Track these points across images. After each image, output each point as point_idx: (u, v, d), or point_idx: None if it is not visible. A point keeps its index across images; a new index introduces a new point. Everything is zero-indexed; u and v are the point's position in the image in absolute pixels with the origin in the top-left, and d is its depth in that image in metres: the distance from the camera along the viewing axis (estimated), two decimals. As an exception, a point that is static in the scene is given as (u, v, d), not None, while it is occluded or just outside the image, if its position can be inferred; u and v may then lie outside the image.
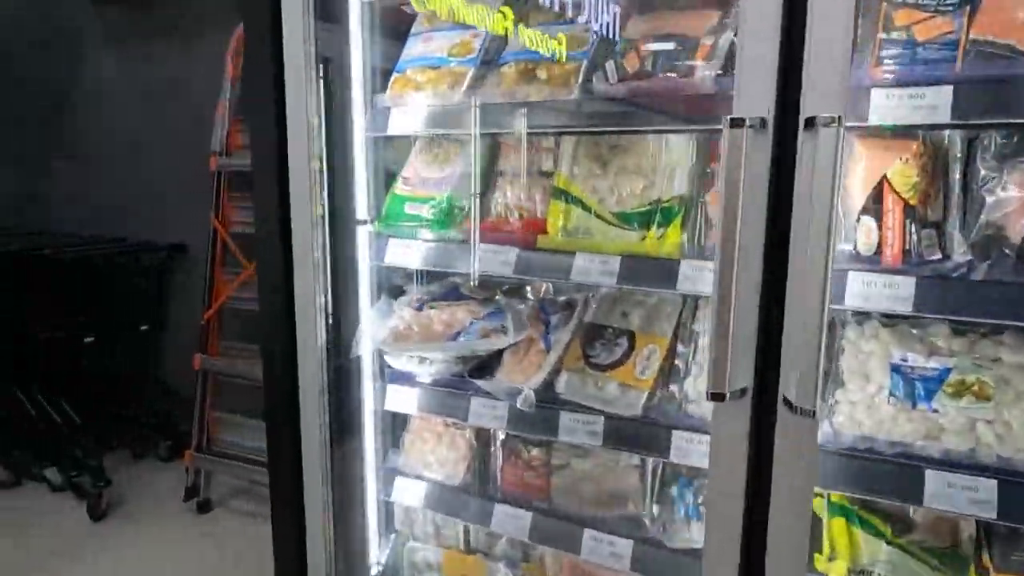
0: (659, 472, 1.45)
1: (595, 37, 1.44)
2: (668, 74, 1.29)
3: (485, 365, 1.59)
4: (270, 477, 1.48)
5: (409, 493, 1.51)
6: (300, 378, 1.41)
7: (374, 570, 1.57)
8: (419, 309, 1.54)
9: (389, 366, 1.52)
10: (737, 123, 0.91)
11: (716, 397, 0.96)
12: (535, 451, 1.49)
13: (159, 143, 3.49)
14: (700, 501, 1.36)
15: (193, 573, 2.71)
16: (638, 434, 1.35)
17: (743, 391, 0.98)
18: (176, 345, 3.61)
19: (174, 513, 3.14)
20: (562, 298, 1.63)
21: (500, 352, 1.54)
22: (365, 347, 1.48)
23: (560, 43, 1.44)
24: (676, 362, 1.40)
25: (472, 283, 1.63)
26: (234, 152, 3.04)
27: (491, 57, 1.54)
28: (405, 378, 1.58)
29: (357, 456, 1.52)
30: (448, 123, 1.44)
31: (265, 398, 1.45)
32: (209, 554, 2.83)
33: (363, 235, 1.47)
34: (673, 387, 1.38)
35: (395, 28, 1.61)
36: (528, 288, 1.72)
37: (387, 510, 1.68)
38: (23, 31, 3.86)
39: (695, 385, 1.35)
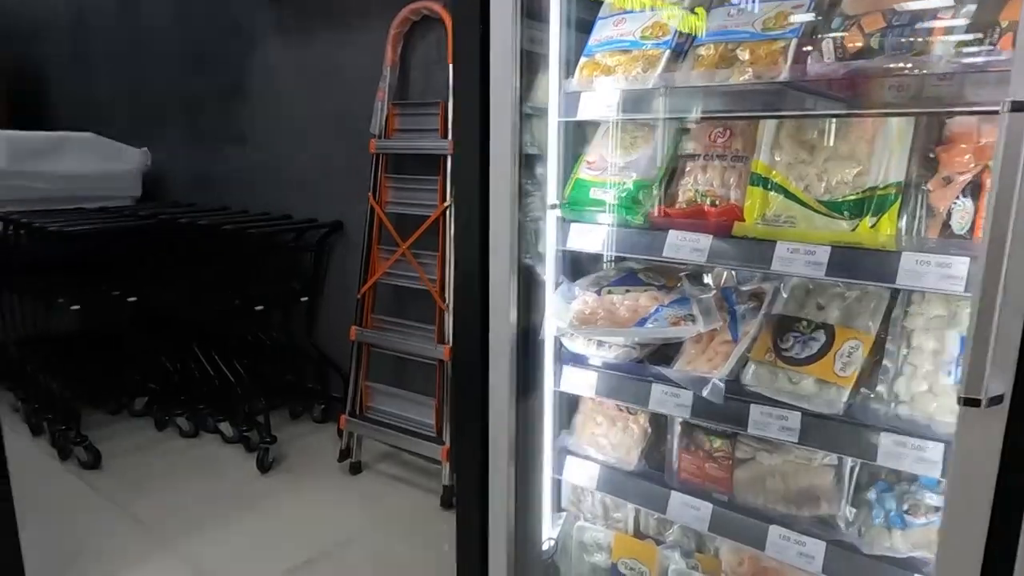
0: (855, 473, 1.39)
1: (805, 13, 1.37)
2: (898, 53, 1.20)
3: (662, 352, 1.58)
4: (456, 450, 1.55)
5: (580, 473, 1.54)
6: (491, 357, 1.46)
7: (546, 545, 1.61)
8: (599, 294, 1.55)
9: (565, 348, 1.54)
10: (1019, 107, 0.84)
11: (970, 403, 0.89)
12: (718, 442, 1.47)
13: (321, 127, 3.70)
14: (906, 509, 1.29)
15: (352, 527, 2.90)
16: (839, 433, 1.30)
17: (999, 398, 0.91)
18: (330, 316, 3.85)
19: (329, 472, 3.38)
20: (747, 287, 1.58)
21: (679, 340, 1.52)
22: (550, 329, 1.50)
23: (767, 22, 1.38)
24: (884, 361, 1.32)
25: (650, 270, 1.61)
26: (392, 135, 3.18)
27: (686, 39, 1.50)
28: (580, 360, 1.60)
29: (538, 434, 1.56)
30: (640, 107, 1.42)
31: (455, 375, 1.51)
32: (363, 511, 3.03)
33: (552, 219, 1.49)
34: (880, 387, 1.31)
35: (581, 18, 1.61)
36: (707, 275, 1.68)
37: (556, 488, 1.72)
38: (210, 25, 4.21)
39: (909, 386, 1.27)
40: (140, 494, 3.16)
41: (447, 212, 2.94)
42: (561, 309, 1.51)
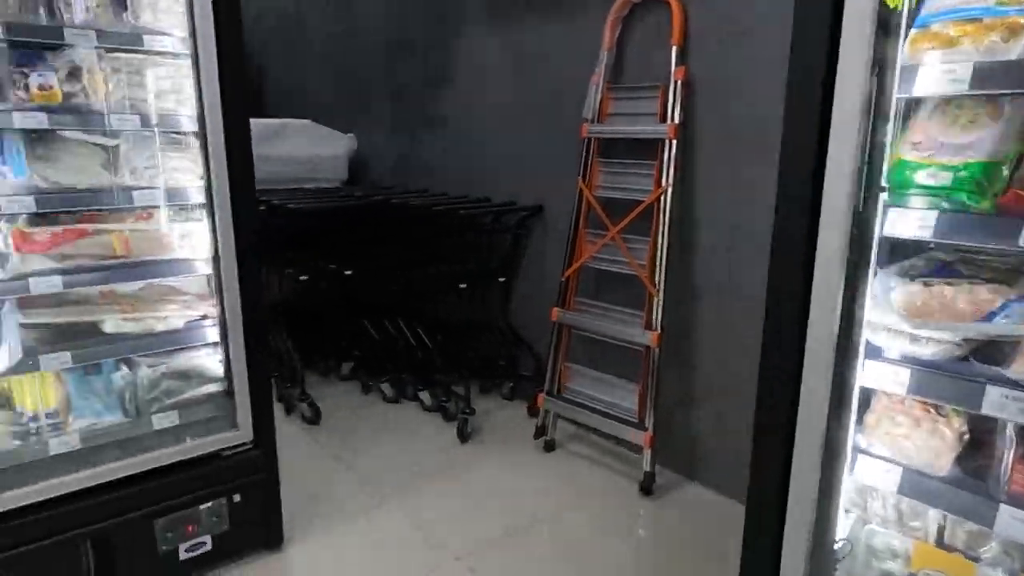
0: None
1: None
2: None
3: (988, 351, 1.44)
4: (757, 437, 1.53)
5: (876, 475, 1.46)
6: (808, 352, 1.42)
7: (837, 545, 1.56)
8: (925, 284, 1.44)
9: (868, 342, 1.47)
10: None
11: None
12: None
13: (523, 112, 3.79)
14: None
15: (548, 504, 2.99)
16: None
17: None
18: (525, 296, 3.96)
19: (523, 448, 3.50)
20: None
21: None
22: (870, 322, 1.44)
23: None
24: None
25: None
26: (605, 119, 3.19)
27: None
28: (882, 355, 1.50)
29: (840, 432, 1.50)
30: (994, 81, 1.29)
31: (762, 365, 1.49)
32: (559, 489, 3.10)
33: (879, 203, 1.41)
34: None
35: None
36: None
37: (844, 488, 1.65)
38: (418, 14, 4.45)
39: None
40: (357, 452, 3.46)
41: (662, 197, 2.91)
42: (882, 300, 1.43)
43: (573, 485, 3.15)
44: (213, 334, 2.51)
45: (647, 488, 3.01)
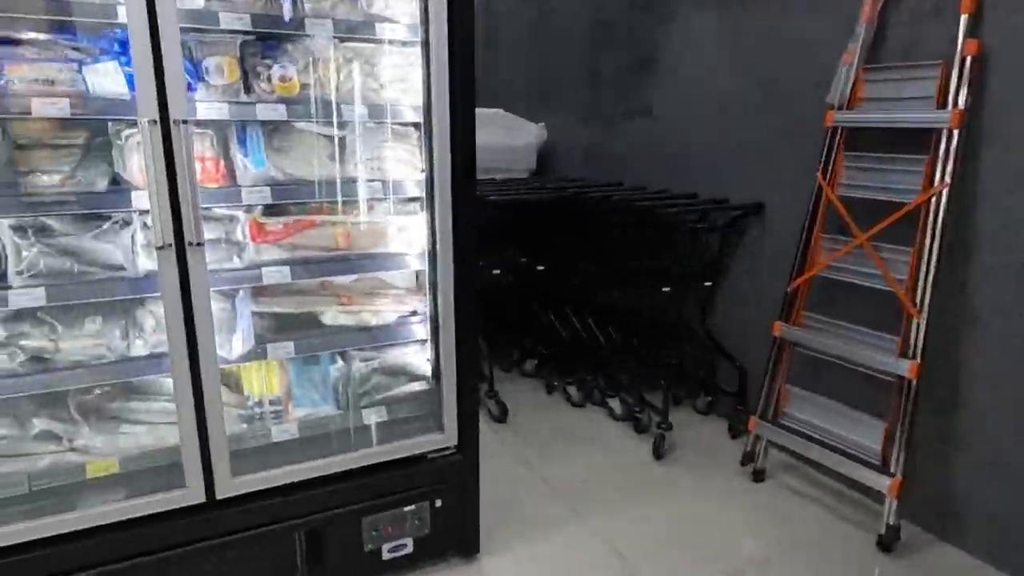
0: None
1: None
2: None
3: None
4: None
5: None
6: None
7: None
8: None
9: None
10: None
11: None
12: None
13: (741, 100, 3.39)
14: None
15: (765, 547, 2.63)
16: None
17: None
18: (732, 304, 3.58)
19: (727, 473, 3.15)
20: None
21: None
22: None
23: None
24: None
25: None
26: (857, 105, 2.72)
27: None
28: None
29: None
30: None
31: None
32: (775, 530, 2.73)
33: None
34: None
35: None
36: None
37: None
38: (618, -4, 4.17)
39: None
40: (544, 457, 3.30)
41: (934, 200, 2.42)
42: None
43: (789, 526, 2.76)
44: (421, 331, 2.44)
45: (888, 544, 2.55)
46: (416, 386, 2.48)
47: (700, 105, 3.66)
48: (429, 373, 2.46)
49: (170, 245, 1.84)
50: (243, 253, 2.19)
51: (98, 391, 2.13)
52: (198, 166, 2.04)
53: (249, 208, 2.18)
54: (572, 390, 3.88)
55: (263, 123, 2.18)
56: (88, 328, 2.04)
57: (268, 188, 2.11)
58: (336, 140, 2.27)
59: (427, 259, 2.35)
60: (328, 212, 2.30)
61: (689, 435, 3.52)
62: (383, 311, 2.43)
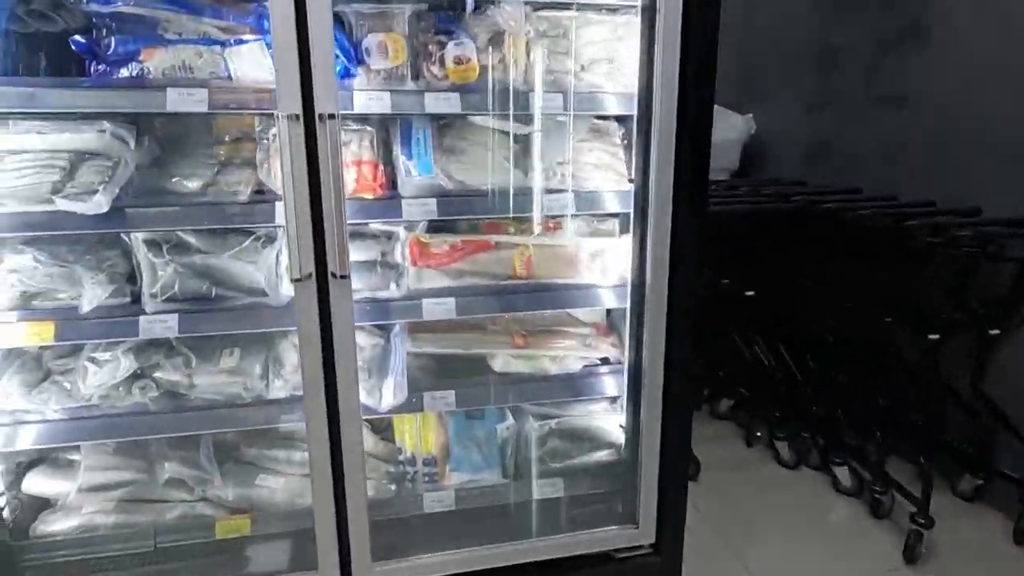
0: None
1: None
2: None
3: None
4: None
5: None
6: None
7: None
8: None
9: None
10: None
11: None
12: None
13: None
14: None
15: None
16: None
17: None
18: (1019, 358, 2.63)
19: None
20: None
21: None
22: None
23: None
24: None
25: None
26: None
27: None
28: None
29: None
30: None
31: None
32: None
33: None
34: None
35: None
36: None
37: None
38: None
39: None
40: (748, 538, 2.61)
41: None
42: None
43: None
44: (612, 385, 1.89)
45: None
46: (601, 456, 1.93)
47: (989, 92, 2.72)
48: (620, 441, 1.90)
49: (309, 276, 1.44)
50: (401, 279, 1.76)
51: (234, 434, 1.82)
52: (352, 172, 1.64)
53: (411, 224, 1.75)
54: (782, 447, 3.13)
55: (432, 118, 1.74)
56: (224, 363, 1.73)
57: (434, 200, 1.66)
58: (521, 139, 1.77)
59: (628, 293, 1.80)
60: (504, 231, 1.81)
61: (952, 529, 2.63)
62: (566, 357, 1.90)
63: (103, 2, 1.50)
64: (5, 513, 1.62)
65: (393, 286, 1.75)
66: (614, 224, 1.89)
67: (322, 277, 1.44)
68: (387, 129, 1.76)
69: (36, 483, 1.69)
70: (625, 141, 1.83)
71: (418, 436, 1.88)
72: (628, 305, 1.81)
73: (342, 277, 1.43)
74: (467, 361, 1.87)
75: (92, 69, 1.51)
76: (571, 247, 1.82)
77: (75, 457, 1.75)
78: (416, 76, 1.67)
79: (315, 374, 1.52)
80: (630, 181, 1.75)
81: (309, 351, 1.50)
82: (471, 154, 1.74)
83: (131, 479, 1.73)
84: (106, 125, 1.53)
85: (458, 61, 1.63)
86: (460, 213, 1.72)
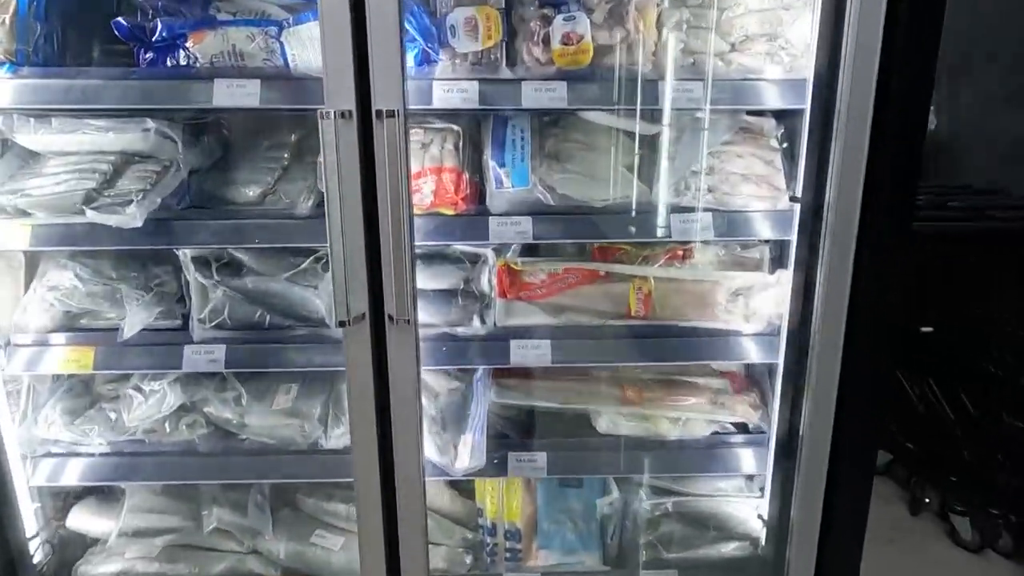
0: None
1: None
2: None
3: None
4: None
5: None
6: None
7: None
8: None
9: None
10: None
11: None
12: None
13: None
14: None
15: None
16: None
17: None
18: None
19: None
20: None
21: None
22: None
23: None
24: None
25: None
26: None
27: None
28: None
29: None
30: None
31: None
32: None
33: None
34: None
35: None
36: None
37: None
38: None
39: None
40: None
41: None
42: None
43: None
44: (750, 460, 1.46)
45: None
46: (731, 549, 1.50)
47: None
48: (759, 534, 1.47)
49: (362, 318, 1.13)
50: (486, 313, 1.43)
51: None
52: (430, 181, 1.32)
53: (500, 247, 1.40)
54: (960, 522, 2.51)
55: (532, 114, 1.39)
56: (279, 401, 1.48)
57: (529, 219, 1.31)
58: (643, 142, 1.37)
59: (780, 344, 1.37)
60: (618, 259, 1.43)
61: None
62: (690, 419, 1.49)
63: (152, -22, 1.28)
64: (40, 555, 1.46)
65: (476, 321, 1.42)
66: (763, 253, 1.45)
67: (377, 320, 1.13)
68: (477, 128, 1.43)
69: (80, 519, 1.53)
70: (785, 144, 1.39)
71: (501, 501, 1.55)
72: (780, 360, 1.37)
73: (406, 322, 1.11)
74: (564, 417, 1.50)
75: (140, 58, 1.30)
76: (705, 282, 1.40)
77: (123, 486, 1.58)
78: (512, 61, 1.31)
79: (366, 434, 1.22)
80: (792, 199, 1.31)
81: (360, 406, 1.20)
82: (579, 160, 1.37)
83: (176, 526, 1.53)
84: (150, 123, 1.31)
85: (567, 41, 1.26)
86: (562, 235, 1.35)
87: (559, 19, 1.26)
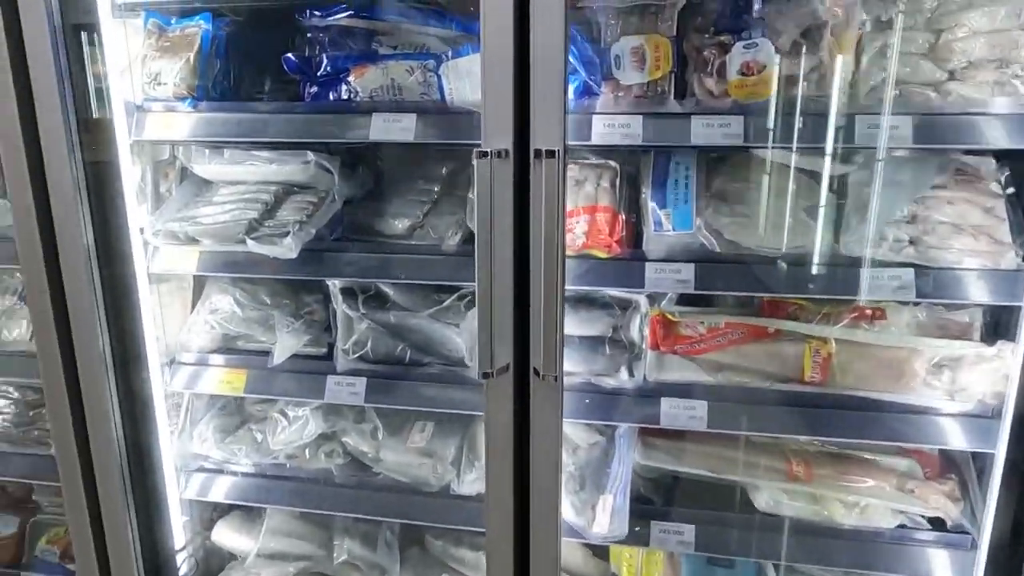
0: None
1: None
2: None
3: None
4: None
5: None
6: None
7: None
8: None
9: None
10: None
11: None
12: None
13: None
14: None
15: None
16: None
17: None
18: None
19: None
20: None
21: None
22: None
23: None
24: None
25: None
26: None
27: None
28: None
29: None
30: None
31: None
32: None
33: None
34: None
35: None
36: None
37: None
38: None
39: None
40: None
41: None
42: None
43: None
44: (946, 566, 1.22)
45: None
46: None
47: None
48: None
49: (505, 370, 1.05)
50: (635, 364, 1.31)
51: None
52: (582, 221, 1.23)
53: (654, 295, 1.28)
54: None
55: (699, 151, 1.26)
56: (414, 439, 1.44)
57: (692, 266, 1.18)
58: (834, 182, 1.20)
59: (997, 429, 1.13)
60: (792, 315, 1.25)
61: None
62: (869, 504, 1.27)
63: (323, 14, 1.30)
64: (186, 568, 1.52)
65: (623, 373, 1.30)
66: (973, 317, 1.21)
67: (522, 374, 1.05)
68: (635, 164, 1.32)
69: (224, 534, 1.58)
70: (1011, 190, 1.16)
71: (639, 570, 1.40)
72: (999, 449, 1.13)
73: (552, 378, 1.02)
74: (716, 486, 1.34)
75: (305, 92, 1.32)
76: (901, 349, 1.19)
77: (263, 507, 1.62)
78: (681, 94, 1.20)
79: (502, 489, 1.14)
80: (1019, 253, 1.08)
81: (497, 461, 1.12)
82: (751, 203, 1.22)
83: (309, 553, 1.53)
84: (310, 156, 1.33)
85: (746, 71, 1.13)
86: (728, 286, 1.20)
87: (738, 47, 1.13)
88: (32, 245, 1.23)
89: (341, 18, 1.31)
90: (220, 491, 1.50)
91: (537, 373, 1.02)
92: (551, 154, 0.94)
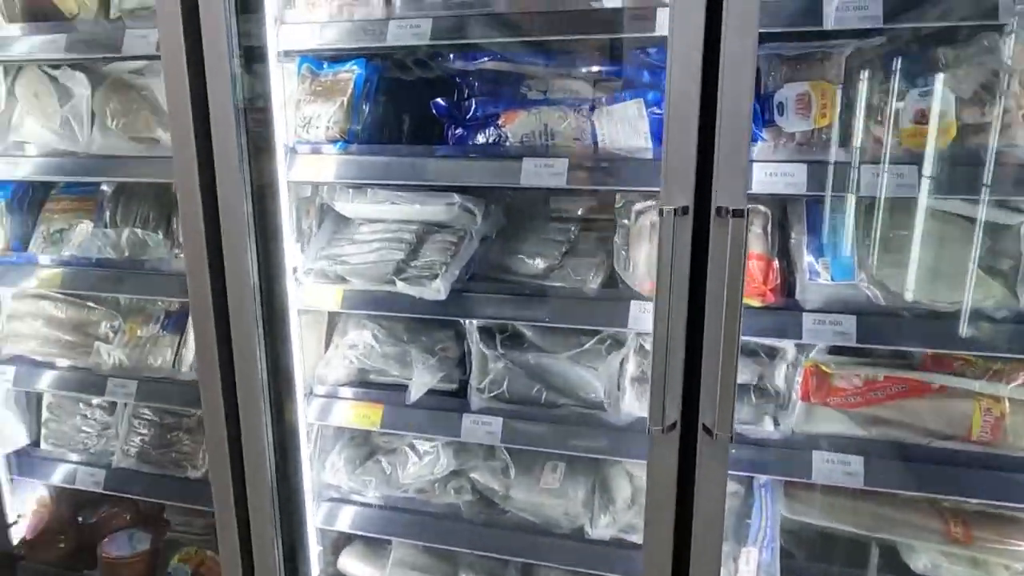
0: None
1: None
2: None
3: None
4: None
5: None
6: None
7: None
8: None
9: None
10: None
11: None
12: None
13: None
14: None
15: None
16: None
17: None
18: None
19: None
20: None
21: None
22: None
23: None
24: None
25: None
26: None
27: None
28: None
29: None
30: None
31: None
32: None
33: None
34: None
35: None
36: None
37: None
38: None
39: None
40: None
41: None
42: None
43: None
44: None
45: None
46: None
47: None
48: None
49: (673, 427, 1.03)
50: (780, 414, 1.27)
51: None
52: (736, 270, 1.20)
53: (807, 347, 1.24)
54: None
55: (862, 198, 1.22)
56: (546, 479, 1.43)
57: (853, 319, 1.14)
58: (1000, 233, 1.14)
59: None
60: (959, 370, 1.19)
61: None
62: (1038, 573, 1.20)
63: (468, 59, 1.32)
64: (317, 594, 1.55)
65: (769, 423, 1.27)
66: None
67: (690, 431, 1.03)
68: (784, 208, 1.29)
69: (350, 563, 1.60)
70: None
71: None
72: None
73: (727, 438, 1.00)
74: (864, 544, 1.29)
75: (450, 134, 1.34)
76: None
77: (389, 539, 1.64)
78: (845, 141, 1.16)
79: (662, 542, 1.12)
80: None
81: (657, 514, 1.10)
82: (921, 254, 1.17)
83: (434, 586, 1.54)
84: (456, 198, 1.35)
85: (921, 119, 1.09)
86: (890, 340, 1.16)
87: (913, 93, 1.09)
88: (201, 279, 1.28)
89: (487, 63, 1.33)
90: (346, 520, 1.53)
91: (708, 432, 1.00)
92: (738, 213, 0.92)
